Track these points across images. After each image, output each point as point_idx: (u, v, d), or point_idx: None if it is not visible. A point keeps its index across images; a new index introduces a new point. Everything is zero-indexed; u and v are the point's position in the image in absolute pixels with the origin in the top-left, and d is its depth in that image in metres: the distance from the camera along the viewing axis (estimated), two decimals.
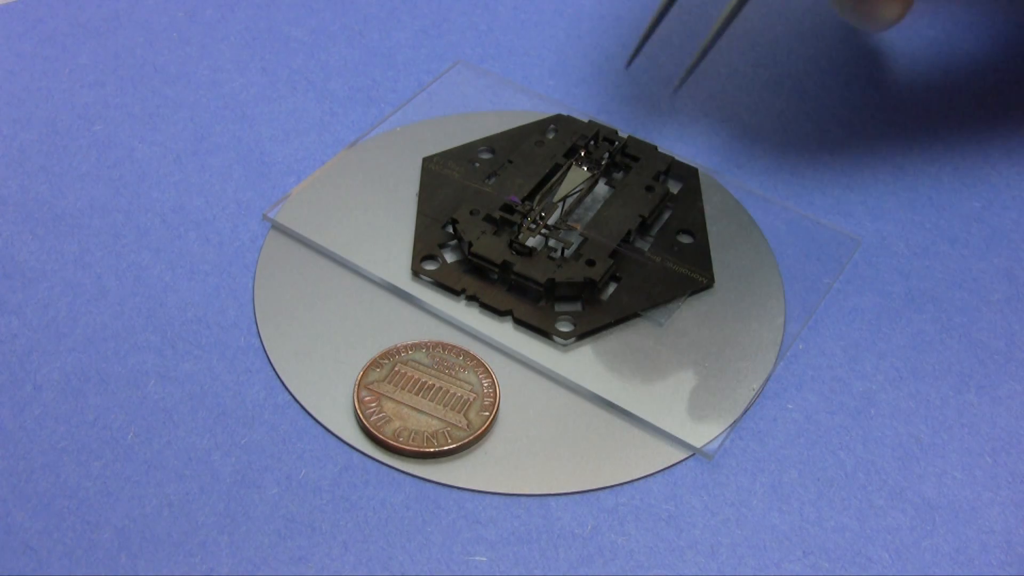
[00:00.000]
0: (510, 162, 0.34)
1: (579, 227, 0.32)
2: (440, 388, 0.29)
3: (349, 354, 0.30)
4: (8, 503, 0.26)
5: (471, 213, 0.32)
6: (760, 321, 0.31)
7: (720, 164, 0.36)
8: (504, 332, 0.30)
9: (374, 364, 0.29)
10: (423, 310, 0.31)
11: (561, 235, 0.31)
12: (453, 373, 0.29)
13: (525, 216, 0.32)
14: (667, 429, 0.28)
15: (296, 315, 0.31)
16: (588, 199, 0.33)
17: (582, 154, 0.34)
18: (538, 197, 0.33)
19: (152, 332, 0.30)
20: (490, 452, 0.28)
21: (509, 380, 0.29)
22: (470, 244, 0.31)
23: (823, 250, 0.33)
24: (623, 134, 0.35)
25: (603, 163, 0.34)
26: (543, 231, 0.31)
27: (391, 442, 0.27)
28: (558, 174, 0.33)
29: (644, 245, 0.32)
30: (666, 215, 0.33)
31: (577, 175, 0.33)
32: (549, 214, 0.32)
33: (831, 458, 0.28)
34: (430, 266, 0.32)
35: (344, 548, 0.26)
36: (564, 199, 0.33)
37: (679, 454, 0.28)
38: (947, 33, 0.41)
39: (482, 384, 0.29)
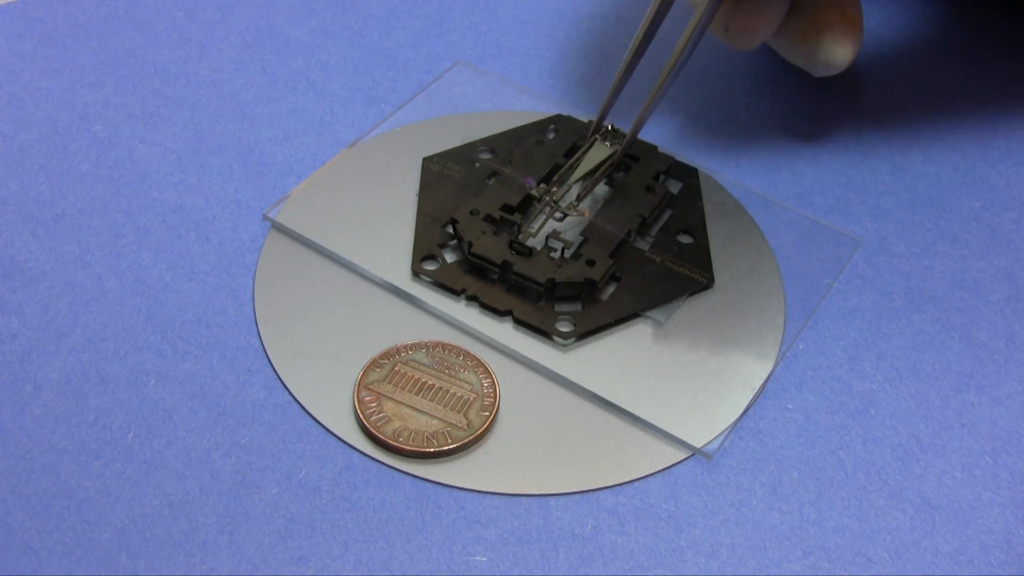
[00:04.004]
0: (510, 162, 0.34)
1: (587, 213, 0.32)
2: (440, 388, 0.29)
3: (349, 354, 0.30)
4: (8, 503, 0.26)
5: (471, 213, 0.32)
6: (760, 321, 0.31)
7: (720, 164, 0.36)
8: (504, 332, 0.30)
9: (374, 364, 0.29)
10: (423, 310, 0.31)
11: (565, 228, 0.31)
12: (453, 373, 0.29)
13: (540, 199, 0.32)
14: (667, 429, 0.28)
15: (296, 315, 0.31)
16: (588, 199, 0.33)
17: None
18: (555, 179, 0.33)
19: (152, 332, 0.30)
20: (490, 452, 0.28)
21: (509, 380, 0.29)
22: (470, 244, 0.31)
23: (823, 250, 0.33)
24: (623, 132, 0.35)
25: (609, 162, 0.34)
26: (556, 215, 0.32)
27: (391, 442, 0.27)
28: (579, 153, 0.33)
29: (644, 245, 0.32)
30: (666, 215, 0.33)
31: (599, 152, 0.33)
32: (561, 197, 0.32)
33: (831, 458, 0.28)
34: (430, 266, 0.32)
35: (344, 548, 0.26)
36: (584, 177, 0.33)
37: (679, 454, 0.28)
38: (947, 33, 0.41)
39: (482, 384, 0.29)
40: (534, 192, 0.32)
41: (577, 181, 0.32)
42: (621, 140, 0.34)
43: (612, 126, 0.34)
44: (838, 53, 0.34)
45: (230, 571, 0.25)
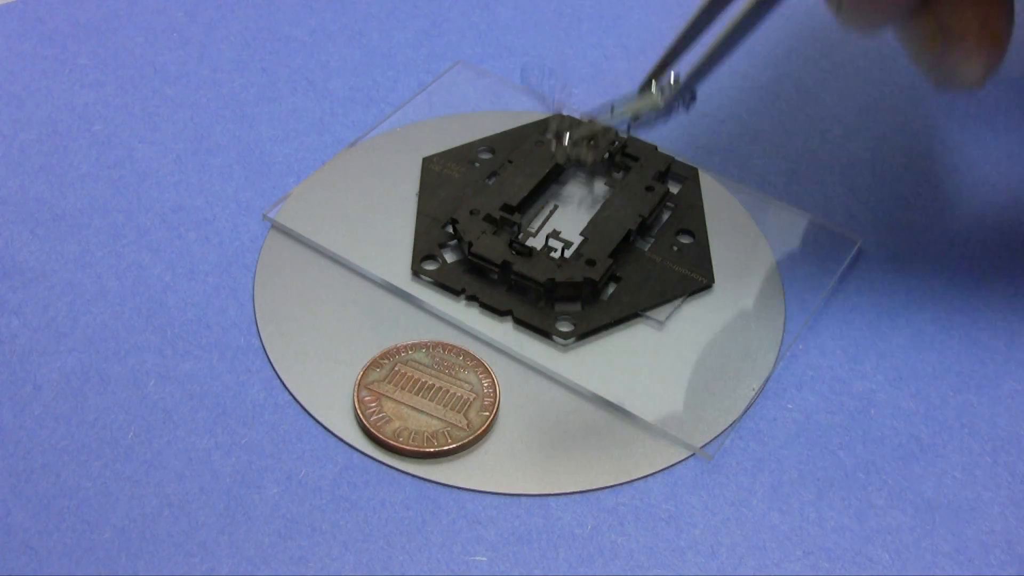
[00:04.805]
0: (510, 162, 0.34)
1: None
2: (440, 388, 0.29)
3: (349, 354, 0.30)
4: (8, 503, 0.26)
5: (471, 213, 0.32)
6: (760, 321, 0.31)
7: (720, 164, 0.36)
8: (504, 332, 0.30)
9: (374, 364, 0.29)
10: (423, 310, 0.31)
11: (565, 228, 0.32)
12: (453, 373, 0.29)
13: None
14: (667, 429, 0.28)
15: (296, 315, 0.31)
16: (588, 199, 0.33)
17: None
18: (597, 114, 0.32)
19: (152, 332, 0.30)
20: (490, 452, 0.28)
21: (509, 380, 0.29)
22: (470, 244, 0.31)
23: (823, 250, 0.33)
24: (623, 134, 0.35)
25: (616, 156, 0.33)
26: (583, 131, 0.31)
27: (391, 442, 0.28)
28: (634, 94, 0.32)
29: (644, 245, 0.32)
30: (666, 215, 0.33)
31: (649, 99, 0.31)
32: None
33: (831, 458, 0.28)
34: (430, 266, 0.32)
35: (344, 548, 0.26)
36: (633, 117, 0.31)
37: (679, 454, 0.28)
38: None
39: (482, 384, 0.29)
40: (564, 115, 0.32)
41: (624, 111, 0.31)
42: (673, 91, 0.31)
43: (677, 77, 0.31)
44: (966, 73, 0.27)
45: (230, 571, 0.25)
